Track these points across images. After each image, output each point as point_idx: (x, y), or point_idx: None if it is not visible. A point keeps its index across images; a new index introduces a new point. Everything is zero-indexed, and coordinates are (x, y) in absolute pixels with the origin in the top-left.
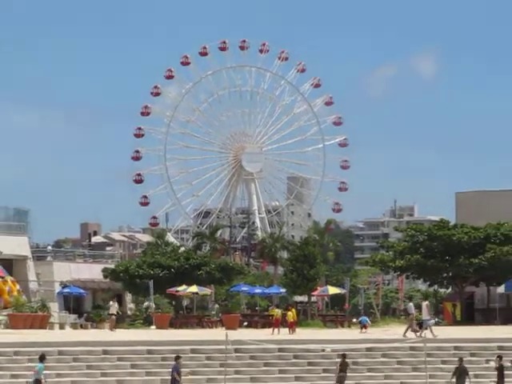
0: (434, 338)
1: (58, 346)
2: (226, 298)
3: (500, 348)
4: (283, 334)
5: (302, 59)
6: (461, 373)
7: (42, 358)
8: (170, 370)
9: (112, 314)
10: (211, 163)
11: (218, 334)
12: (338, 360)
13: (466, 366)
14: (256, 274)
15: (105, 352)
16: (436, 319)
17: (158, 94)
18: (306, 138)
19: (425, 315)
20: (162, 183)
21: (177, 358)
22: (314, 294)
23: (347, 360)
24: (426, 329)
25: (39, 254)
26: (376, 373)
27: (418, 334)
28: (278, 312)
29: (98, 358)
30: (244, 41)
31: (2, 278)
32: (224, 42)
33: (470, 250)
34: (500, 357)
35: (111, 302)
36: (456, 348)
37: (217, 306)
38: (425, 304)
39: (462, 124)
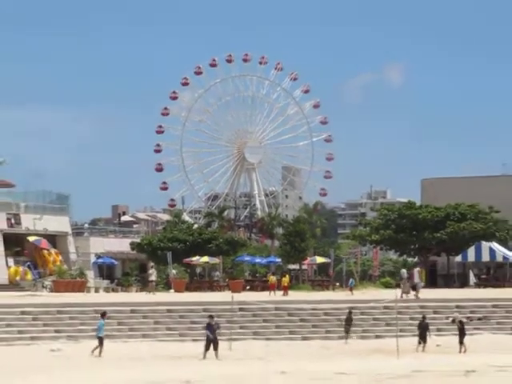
0: (418, 299)
1: (93, 306)
2: (231, 267)
3: (457, 306)
4: (279, 295)
5: (294, 69)
6: (423, 328)
7: (103, 315)
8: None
9: (152, 281)
10: (219, 155)
11: (225, 296)
12: (327, 317)
13: (430, 321)
14: (256, 247)
15: (132, 311)
16: (423, 284)
17: (175, 98)
18: (298, 135)
19: (416, 279)
20: (178, 172)
21: (210, 317)
22: (304, 262)
23: (352, 316)
24: (417, 290)
25: (78, 231)
26: (356, 327)
27: (410, 295)
28: (273, 278)
29: (126, 316)
30: (246, 54)
31: (48, 250)
32: (230, 55)
33: (433, 226)
34: (453, 320)
35: (150, 271)
36: (422, 307)
37: (218, 273)
38: (416, 270)
39: (426, 121)
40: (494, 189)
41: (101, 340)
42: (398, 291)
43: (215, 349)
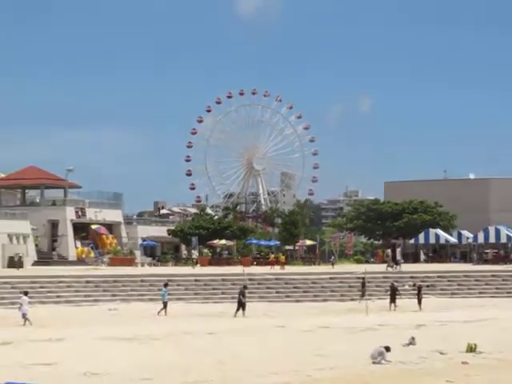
0: (401, 270)
1: (140, 277)
2: (243, 247)
3: (411, 277)
4: (277, 269)
5: (290, 100)
6: (393, 290)
7: (166, 285)
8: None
9: (194, 258)
10: (234, 164)
11: (238, 269)
12: (314, 285)
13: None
14: (261, 233)
15: (169, 280)
16: (402, 260)
17: (201, 121)
18: (292, 149)
19: (398, 256)
20: (203, 176)
21: (244, 287)
22: (297, 244)
23: (365, 282)
24: (399, 265)
25: (128, 221)
26: (335, 293)
27: (392, 268)
28: (273, 256)
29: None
30: (254, 89)
31: (105, 235)
32: (242, 90)
33: (393, 217)
34: (415, 284)
35: (193, 251)
36: (384, 277)
37: (226, 251)
38: (398, 250)
39: (386, 137)
40: (437, 189)
41: (165, 304)
42: (367, 266)
43: (244, 309)
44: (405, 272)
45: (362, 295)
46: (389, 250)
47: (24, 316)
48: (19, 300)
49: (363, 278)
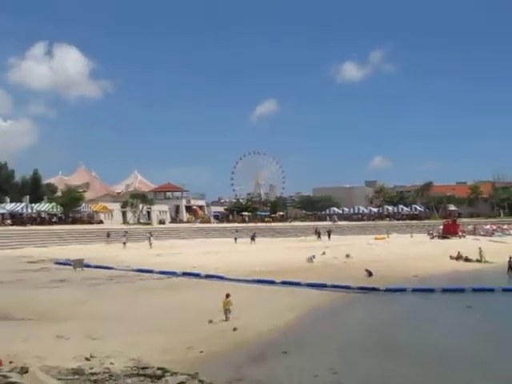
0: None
1: (212, 228)
2: (254, 215)
3: (323, 228)
4: (268, 224)
5: (274, 156)
6: (317, 231)
7: (236, 231)
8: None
9: (245, 219)
10: (250, 181)
11: (252, 224)
12: (284, 230)
13: (297, 232)
14: (261, 209)
15: (223, 229)
16: (338, 222)
17: (237, 163)
18: (275, 176)
19: (336, 219)
20: (238, 185)
21: (254, 233)
22: (276, 214)
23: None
24: (336, 221)
25: (207, 205)
26: (291, 233)
27: (334, 222)
28: (266, 218)
29: (224, 230)
30: (259, 151)
31: (198, 211)
32: (254, 150)
33: (317, 202)
34: (329, 230)
35: (246, 217)
36: (314, 226)
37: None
38: (336, 216)
39: (315, 170)
40: (334, 191)
41: (235, 239)
42: (306, 222)
43: (253, 240)
44: (322, 225)
45: (318, 236)
46: (334, 216)
47: (150, 244)
48: (152, 236)
49: (316, 229)
